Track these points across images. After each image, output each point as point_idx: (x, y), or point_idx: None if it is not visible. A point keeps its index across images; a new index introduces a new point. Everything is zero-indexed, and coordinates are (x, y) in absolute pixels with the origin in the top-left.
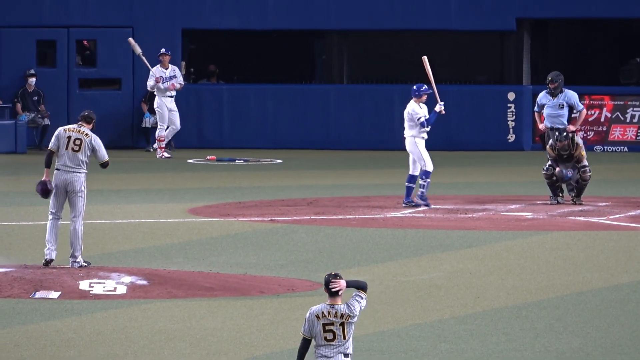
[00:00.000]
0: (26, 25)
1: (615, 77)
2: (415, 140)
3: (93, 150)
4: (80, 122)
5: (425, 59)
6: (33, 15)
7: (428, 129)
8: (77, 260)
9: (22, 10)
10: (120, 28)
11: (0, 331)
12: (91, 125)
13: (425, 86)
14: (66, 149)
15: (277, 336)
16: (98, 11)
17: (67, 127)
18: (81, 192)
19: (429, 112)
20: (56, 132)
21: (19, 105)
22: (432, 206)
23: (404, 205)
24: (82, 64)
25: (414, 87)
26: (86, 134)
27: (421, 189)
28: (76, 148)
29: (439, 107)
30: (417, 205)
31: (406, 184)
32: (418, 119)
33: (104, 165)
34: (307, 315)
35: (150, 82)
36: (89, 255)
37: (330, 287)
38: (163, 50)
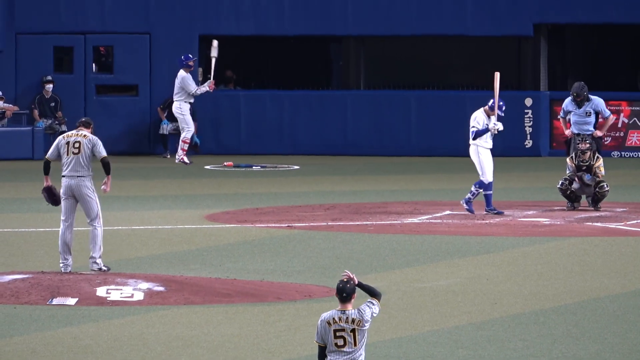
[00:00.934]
0: (43, 31)
1: (633, 82)
2: (478, 149)
3: (92, 148)
4: (79, 127)
5: (497, 75)
6: (50, 21)
7: (487, 141)
8: (97, 261)
9: (39, 16)
10: (137, 34)
11: (18, 338)
12: (89, 129)
13: (501, 104)
14: (67, 154)
15: (294, 342)
16: (115, 17)
17: (65, 133)
18: (89, 195)
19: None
20: (56, 141)
21: (36, 112)
22: (476, 213)
23: (485, 213)
24: (98, 71)
25: (492, 99)
26: (84, 135)
27: (469, 195)
28: (75, 151)
29: (493, 127)
30: (500, 213)
31: (483, 193)
32: (472, 128)
33: (104, 163)
34: (319, 322)
35: (194, 88)
36: (107, 262)
37: (341, 281)
38: (191, 56)
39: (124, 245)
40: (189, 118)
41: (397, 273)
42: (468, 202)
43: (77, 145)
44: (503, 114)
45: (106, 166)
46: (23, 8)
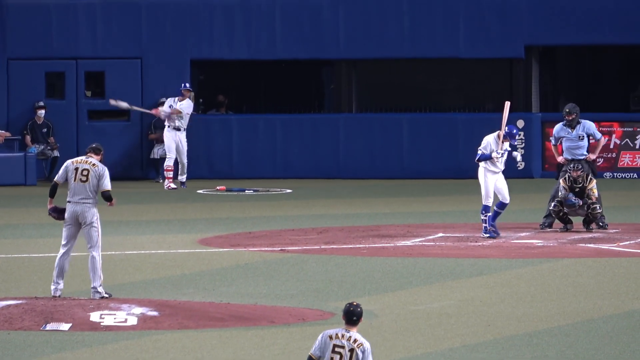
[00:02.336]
0: (35, 57)
1: (624, 103)
2: (485, 172)
3: (98, 180)
4: (88, 154)
5: (507, 104)
6: (42, 47)
7: (495, 164)
8: (98, 290)
9: (31, 42)
10: (129, 59)
11: None
12: (99, 156)
13: (513, 131)
14: (74, 180)
15: None
16: (107, 43)
17: (75, 159)
18: (93, 222)
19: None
20: (64, 165)
21: (28, 137)
22: (501, 234)
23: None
24: (90, 96)
25: (507, 127)
26: (93, 164)
27: (484, 225)
28: (84, 179)
29: (495, 155)
30: (493, 236)
31: (495, 208)
32: (479, 151)
33: (105, 195)
34: (320, 336)
35: (165, 109)
36: None
37: (350, 303)
38: (187, 85)
39: (117, 270)
40: (171, 146)
41: (390, 296)
42: (486, 231)
43: (85, 173)
44: (516, 142)
45: (107, 199)
46: (14, 34)
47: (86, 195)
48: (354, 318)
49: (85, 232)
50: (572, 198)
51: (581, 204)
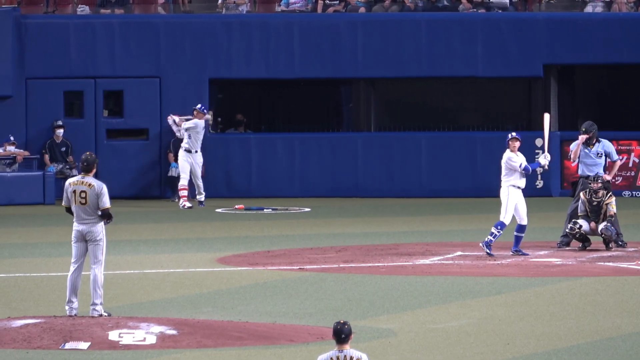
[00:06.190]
0: (53, 76)
1: None
2: (509, 189)
3: (97, 197)
4: (82, 173)
5: (547, 116)
6: (60, 66)
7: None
8: (97, 308)
9: (49, 61)
10: (147, 78)
11: None
12: (93, 171)
13: (511, 134)
14: (75, 203)
15: None
16: (125, 61)
17: (71, 180)
18: (100, 240)
19: (529, 161)
20: (64, 187)
21: (47, 157)
22: (494, 254)
23: (511, 253)
24: (107, 116)
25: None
26: (89, 185)
27: (490, 237)
28: (83, 201)
29: (544, 161)
30: (525, 254)
31: (515, 233)
32: (520, 166)
33: (105, 213)
34: None
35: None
36: (119, 306)
37: (338, 322)
38: (199, 106)
39: (136, 289)
40: (184, 167)
41: (409, 314)
42: (487, 244)
43: (83, 195)
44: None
45: (106, 217)
46: (33, 53)
47: (88, 215)
48: (343, 336)
49: (90, 248)
50: (589, 226)
51: (605, 232)
